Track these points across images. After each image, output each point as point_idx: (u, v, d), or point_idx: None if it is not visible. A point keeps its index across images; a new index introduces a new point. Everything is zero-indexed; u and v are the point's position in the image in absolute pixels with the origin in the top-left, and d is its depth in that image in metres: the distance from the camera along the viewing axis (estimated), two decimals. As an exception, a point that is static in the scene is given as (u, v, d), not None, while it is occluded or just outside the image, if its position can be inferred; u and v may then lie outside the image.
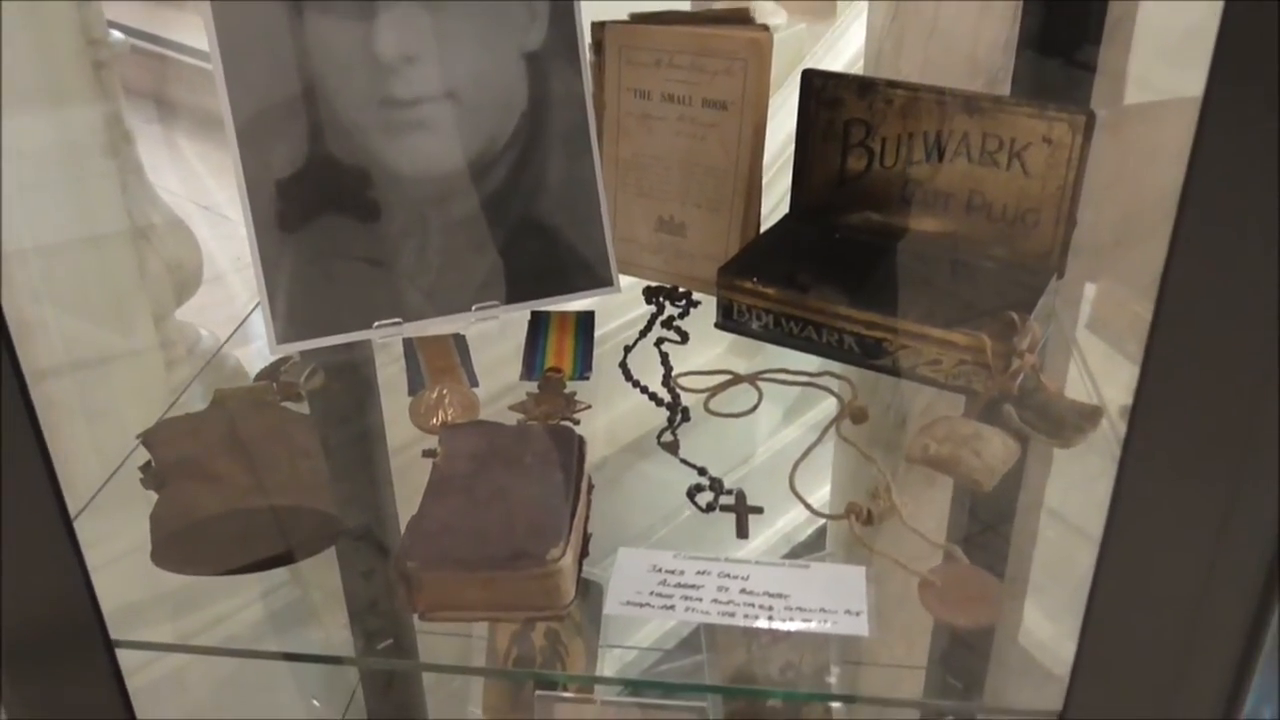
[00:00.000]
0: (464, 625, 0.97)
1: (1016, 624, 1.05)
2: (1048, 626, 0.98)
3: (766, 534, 1.25)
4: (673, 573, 0.76)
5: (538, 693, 1.03)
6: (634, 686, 1.10)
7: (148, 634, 0.94)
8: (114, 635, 0.74)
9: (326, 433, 1.01)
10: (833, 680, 1.02)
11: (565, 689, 1.06)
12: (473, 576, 0.71)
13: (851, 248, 1.03)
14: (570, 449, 0.80)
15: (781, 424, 1.00)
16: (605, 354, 1.02)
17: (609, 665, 1.16)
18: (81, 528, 0.88)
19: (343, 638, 1.07)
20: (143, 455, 0.85)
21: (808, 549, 1.08)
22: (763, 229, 1.04)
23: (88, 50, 1.23)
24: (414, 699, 1.36)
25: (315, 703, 1.10)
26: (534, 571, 0.70)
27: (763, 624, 0.73)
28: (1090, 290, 1.08)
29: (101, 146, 1.27)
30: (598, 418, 0.98)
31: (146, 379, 1.34)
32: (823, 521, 0.87)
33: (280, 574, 1.08)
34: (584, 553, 0.77)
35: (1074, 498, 0.97)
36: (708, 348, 1.05)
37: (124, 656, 1.05)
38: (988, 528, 0.97)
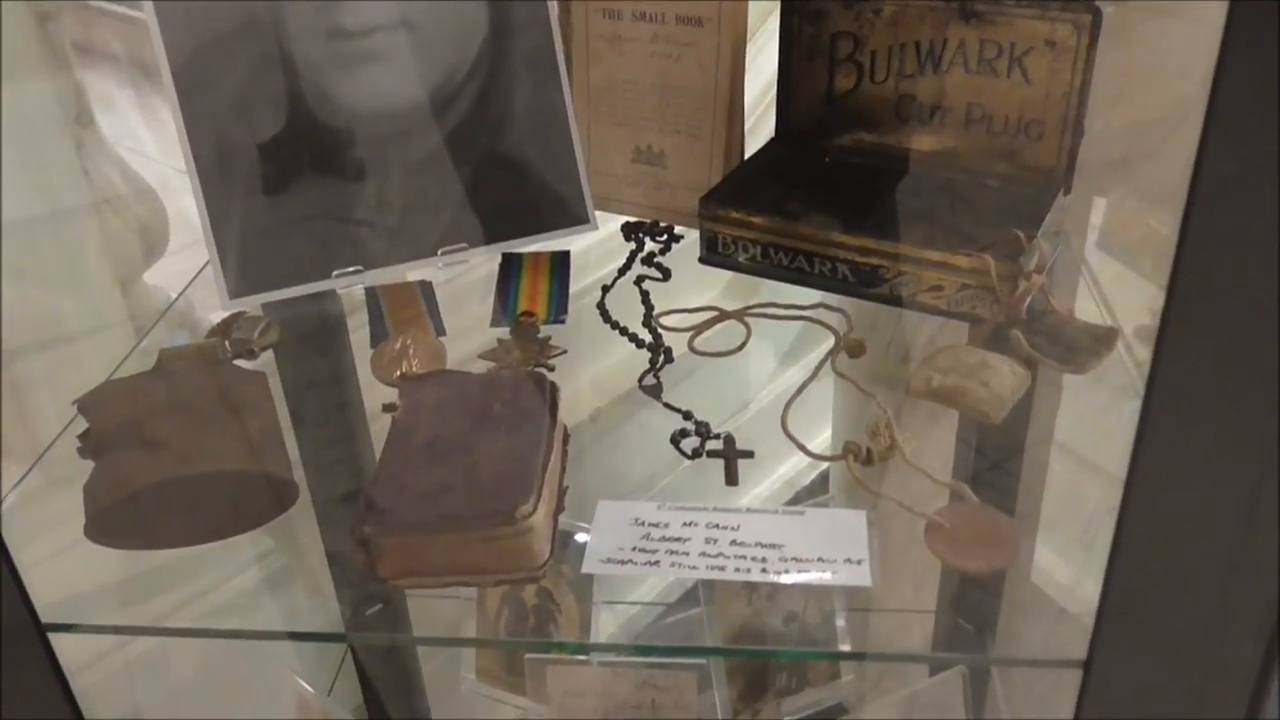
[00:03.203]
0: (452, 588, 0.93)
1: (1028, 563, 1.00)
2: (1060, 564, 0.93)
3: (769, 481, 1.19)
4: (656, 525, 0.70)
5: (528, 656, 0.98)
6: (629, 652, 1.05)
7: (129, 614, 0.89)
8: (92, 620, 0.71)
9: (301, 394, 0.96)
10: (842, 623, 0.97)
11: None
12: (436, 539, 0.65)
13: (843, 171, 0.97)
14: (542, 397, 0.74)
15: (782, 367, 0.96)
16: (590, 305, 0.97)
17: (611, 622, 1.10)
18: (45, 506, 0.83)
19: (330, 606, 1.02)
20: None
21: (811, 495, 1.03)
22: (747, 154, 0.98)
23: (32, 5, 1.17)
24: (409, 665, 1.32)
25: (294, 675, 1.05)
26: (503, 530, 0.65)
27: (756, 577, 0.67)
28: (1100, 207, 1.02)
29: (54, 107, 1.21)
30: (587, 368, 0.92)
31: (117, 347, 1.30)
32: (825, 466, 0.81)
33: (267, 543, 1.03)
34: (560, 508, 0.71)
35: (1085, 429, 0.92)
36: (704, 291, 1.00)
37: (99, 639, 0.99)
38: (996, 465, 0.92)
